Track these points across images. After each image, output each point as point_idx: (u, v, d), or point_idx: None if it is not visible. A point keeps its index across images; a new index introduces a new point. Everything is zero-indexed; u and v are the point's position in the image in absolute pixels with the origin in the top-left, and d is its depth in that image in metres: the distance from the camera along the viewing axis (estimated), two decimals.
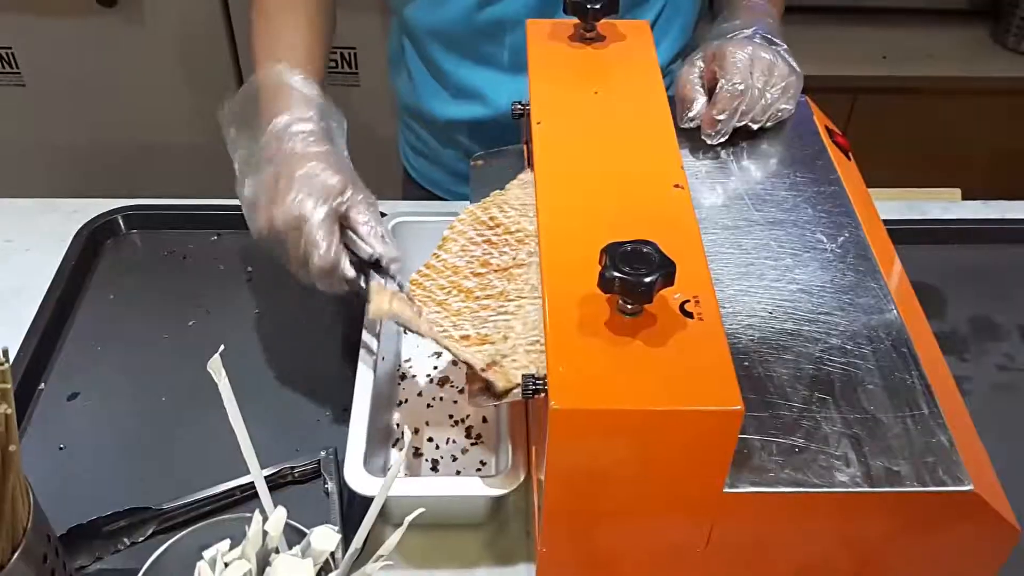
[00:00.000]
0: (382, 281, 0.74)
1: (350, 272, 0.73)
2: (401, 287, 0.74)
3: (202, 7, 1.63)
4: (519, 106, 0.81)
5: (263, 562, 0.49)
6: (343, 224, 0.74)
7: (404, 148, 1.19)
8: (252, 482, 0.72)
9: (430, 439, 0.79)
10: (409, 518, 0.50)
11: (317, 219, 0.71)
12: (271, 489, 0.73)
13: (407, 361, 0.86)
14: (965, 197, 1.16)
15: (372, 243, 0.74)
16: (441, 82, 1.04)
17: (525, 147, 0.86)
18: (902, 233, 0.97)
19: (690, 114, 0.79)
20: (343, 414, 0.80)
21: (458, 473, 0.76)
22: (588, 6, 0.76)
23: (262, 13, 0.88)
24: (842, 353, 0.63)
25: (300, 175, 0.73)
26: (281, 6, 0.88)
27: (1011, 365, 0.87)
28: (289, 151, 0.75)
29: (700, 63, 0.83)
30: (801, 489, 0.56)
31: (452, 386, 0.83)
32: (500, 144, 0.86)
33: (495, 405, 0.79)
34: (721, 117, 0.77)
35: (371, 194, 0.76)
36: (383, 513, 0.61)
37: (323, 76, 0.87)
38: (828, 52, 1.75)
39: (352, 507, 0.73)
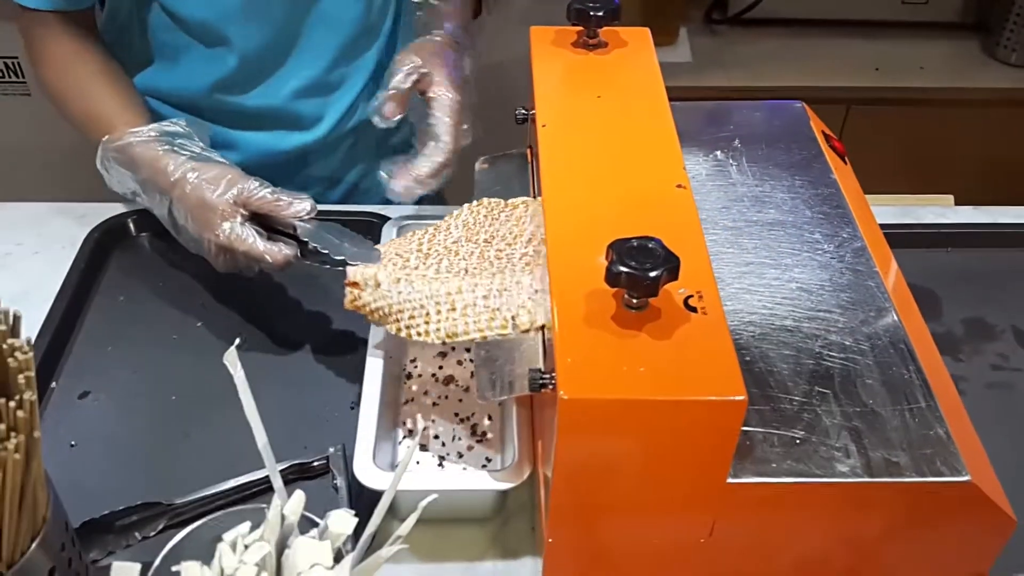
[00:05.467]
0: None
1: (279, 252, 0.80)
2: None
3: None
4: (522, 111, 0.83)
5: (281, 546, 0.51)
6: (257, 213, 0.82)
7: None
8: (262, 478, 0.75)
9: (436, 436, 0.80)
10: (424, 502, 0.51)
11: (236, 241, 0.79)
12: None
13: (412, 361, 0.87)
14: (957, 204, 1.18)
15: (279, 209, 0.80)
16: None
17: (528, 151, 0.87)
18: (897, 237, 0.98)
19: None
20: (350, 412, 0.81)
21: (464, 469, 0.78)
22: (591, 14, 0.78)
23: (70, 88, 0.94)
24: (841, 349, 0.65)
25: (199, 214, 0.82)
26: (81, 76, 0.94)
27: (1005, 365, 0.89)
28: (182, 196, 0.83)
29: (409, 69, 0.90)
30: (802, 479, 0.57)
31: (457, 385, 0.85)
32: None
33: (500, 401, 0.81)
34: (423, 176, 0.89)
35: (235, 170, 0.83)
36: (391, 508, 0.62)
37: (147, 108, 0.95)
38: (821, 64, 1.78)
39: (360, 503, 0.74)
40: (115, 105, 0.92)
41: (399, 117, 0.90)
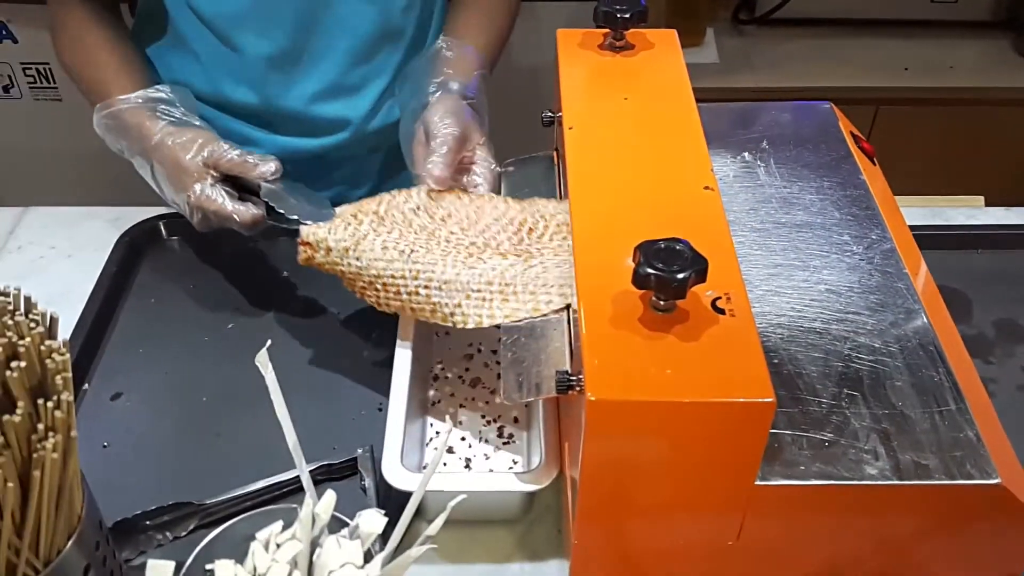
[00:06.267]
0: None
1: (247, 211, 0.83)
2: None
3: None
4: (548, 114, 0.83)
5: (312, 546, 0.51)
6: (229, 175, 0.85)
7: None
8: (291, 479, 0.75)
9: (463, 438, 0.81)
10: (453, 502, 0.51)
11: (206, 201, 0.83)
12: None
13: (439, 363, 0.87)
14: (988, 205, 1.17)
15: (247, 171, 0.83)
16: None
17: (555, 153, 0.88)
18: (927, 238, 0.98)
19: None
20: (378, 413, 0.82)
21: (490, 471, 0.78)
22: (618, 16, 0.78)
23: (78, 57, 0.98)
24: (870, 351, 0.64)
25: (175, 178, 0.86)
26: (88, 46, 0.97)
27: None
28: (162, 159, 0.87)
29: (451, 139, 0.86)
30: (831, 482, 0.57)
31: (484, 387, 0.85)
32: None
33: (526, 403, 0.81)
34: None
35: (209, 134, 0.87)
36: (418, 510, 0.63)
37: (144, 76, 0.97)
38: (850, 64, 1.77)
39: (388, 504, 0.74)
40: (113, 72, 0.95)
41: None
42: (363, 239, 0.77)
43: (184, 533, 0.74)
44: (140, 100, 0.91)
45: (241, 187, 0.85)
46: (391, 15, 1.03)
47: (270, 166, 0.83)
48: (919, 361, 0.64)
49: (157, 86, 0.93)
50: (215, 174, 0.84)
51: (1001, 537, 0.61)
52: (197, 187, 0.84)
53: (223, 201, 0.83)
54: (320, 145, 1.07)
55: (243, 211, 0.83)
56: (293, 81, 1.03)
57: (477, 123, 0.90)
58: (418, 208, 0.81)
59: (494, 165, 0.88)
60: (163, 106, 0.91)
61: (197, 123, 0.90)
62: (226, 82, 1.02)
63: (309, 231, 0.79)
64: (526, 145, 0.92)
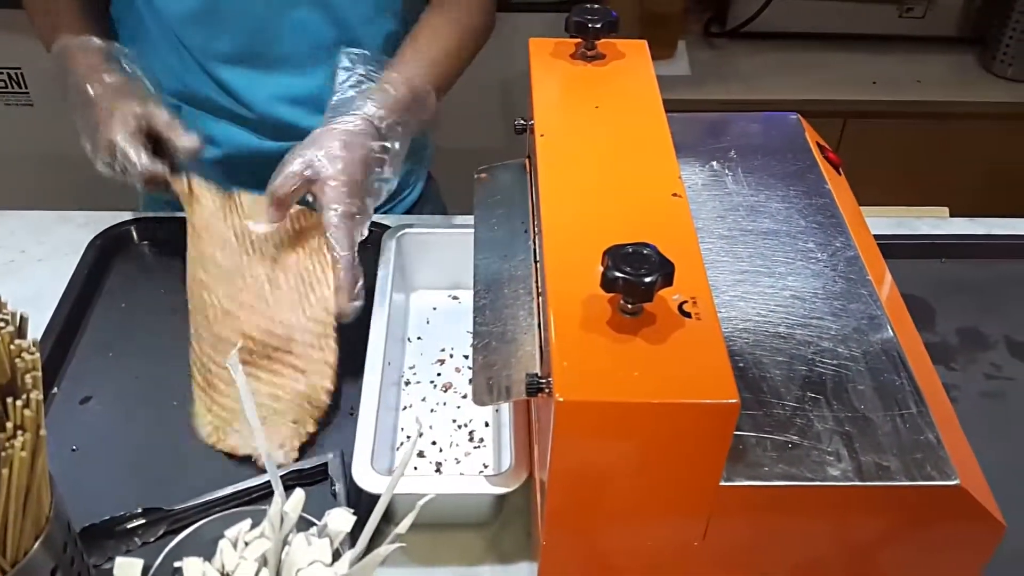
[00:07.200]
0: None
1: (152, 165, 0.87)
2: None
3: None
4: (521, 121, 0.84)
5: (281, 545, 0.51)
6: (157, 136, 0.90)
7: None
8: (261, 484, 0.75)
9: (434, 442, 0.81)
10: (422, 501, 0.52)
11: (122, 141, 0.87)
12: None
13: (411, 368, 0.88)
14: (952, 215, 1.20)
15: (171, 137, 0.89)
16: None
17: (527, 161, 0.88)
18: (892, 248, 0.99)
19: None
20: (349, 418, 0.82)
21: (461, 475, 0.79)
22: (590, 26, 0.79)
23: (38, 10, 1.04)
24: (833, 355, 0.66)
25: (105, 113, 0.89)
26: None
27: (997, 374, 0.90)
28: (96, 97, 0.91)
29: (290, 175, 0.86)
30: (794, 483, 0.58)
31: (455, 392, 0.85)
32: (248, 182, 0.94)
33: (496, 409, 0.82)
34: None
35: (155, 94, 0.93)
36: (388, 514, 0.63)
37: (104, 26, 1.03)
38: (819, 77, 1.80)
39: (359, 509, 0.75)
40: (77, 17, 1.00)
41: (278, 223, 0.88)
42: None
43: (153, 539, 0.73)
44: (101, 44, 0.94)
45: (157, 152, 0.89)
46: (348, 26, 1.02)
47: (194, 141, 0.88)
48: (881, 366, 0.65)
49: (116, 43, 0.96)
50: (143, 125, 0.88)
51: (960, 538, 0.62)
52: (121, 131, 0.87)
53: (135, 151, 0.86)
54: (282, 148, 1.07)
55: (148, 165, 0.87)
56: (253, 84, 1.03)
57: (343, 146, 0.86)
58: (251, 249, 0.87)
59: (345, 252, 0.83)
60: (121, 57, 0.94)
61: (147, 83, 0.94)
62: (189, 79, 1.03)
63: (198, 181, 0.89)
64: (499, 152, 0.93)
